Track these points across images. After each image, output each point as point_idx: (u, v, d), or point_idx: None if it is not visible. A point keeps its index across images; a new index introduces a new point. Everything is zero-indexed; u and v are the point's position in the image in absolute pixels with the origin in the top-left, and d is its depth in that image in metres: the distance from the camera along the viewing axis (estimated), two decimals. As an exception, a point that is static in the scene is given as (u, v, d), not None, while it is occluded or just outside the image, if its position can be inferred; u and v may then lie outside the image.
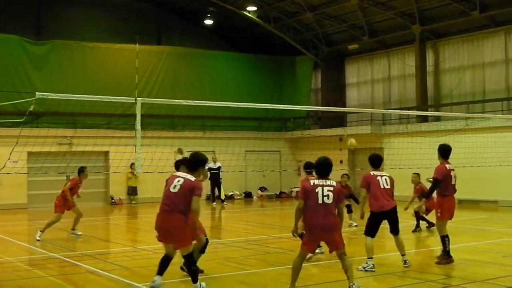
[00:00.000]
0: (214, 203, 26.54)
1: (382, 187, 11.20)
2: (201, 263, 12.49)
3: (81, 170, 16.56)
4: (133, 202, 29.45)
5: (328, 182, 8.98)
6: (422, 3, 28.37)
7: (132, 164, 26.27)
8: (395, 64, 32.70)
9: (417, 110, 28.24)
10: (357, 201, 19.13)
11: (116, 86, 27.86)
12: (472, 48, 29.09)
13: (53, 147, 25.38)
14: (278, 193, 33.90)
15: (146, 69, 31.25)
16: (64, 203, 16.23)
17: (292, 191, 33.61)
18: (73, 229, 16.53)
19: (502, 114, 26.05)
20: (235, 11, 32.46)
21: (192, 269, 9.25)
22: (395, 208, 11.26)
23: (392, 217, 11.29)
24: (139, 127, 11.84)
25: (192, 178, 9.07)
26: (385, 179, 11.31)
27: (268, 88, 34.96)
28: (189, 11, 35.38)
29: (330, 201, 8.83)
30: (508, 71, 27.63)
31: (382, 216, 11.26)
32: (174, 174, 9.40)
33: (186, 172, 9.26)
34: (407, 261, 11.18)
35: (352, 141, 16.02)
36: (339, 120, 33.37)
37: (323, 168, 9.15)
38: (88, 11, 32.49)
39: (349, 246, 13.05)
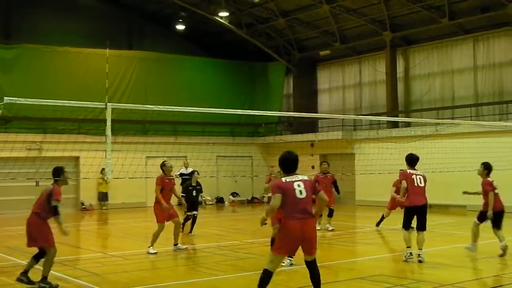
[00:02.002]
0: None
1: (416, 185, 12.30)
2: (172, 269, 12.45)
3: (163, 165, 14.64)
4: (104, 208, 29.24)
5: None
6: (393, 10, 28.65)
7: (103, 169, 26.10)
8: (366, 70, 32.95)
9: (388, 116, 28.43)
10: (338, 191, 19.07)
11: (87, 91, 27.63)
12: (441, 55, 29.43)
13: (22, 153, 25.06)
14: (250, 198, 33.89)
15: (117, 74, 31.12)
16: (162, 210, 14.11)
17: (264, 196, 33.64)
18: (175, 244, 14.61)
19: (471, 120, 26.37)
20: (207, 16, 32.43)
21: (319, 274, 8.34)
22: (425, 205, 12.31)
23: (421, 213, 12.25)
24: (110, 132, 11.75)
25: (305, 177, 8.42)
26: (420, 178, 12.40)
27: (240, 94, 35.01)
28: (161, 16, 35.28)
29: None
30: (476, 78, 28.00)
31: (414, 210, 12.29)
32: (284, 181, 8.33)
33: (287, 175, 8.42)
34: (420, 255, 12.22)
35: None
36: (311, 126, 33.51)
37: None
38: (58, 15, 32.14)
39: (322, 251, 13.14)
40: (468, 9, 26.82)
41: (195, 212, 18.08)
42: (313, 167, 30.36)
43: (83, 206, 29.05)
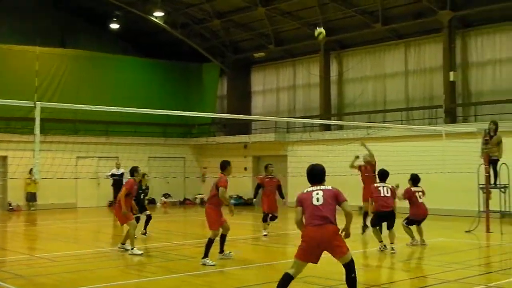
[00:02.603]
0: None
1: (382, 195, 14.25)
2: (101, 271, 12.22)
3: (135, 170, 14.78)
4: (32, 208, 28.56)
5: None
6: (328, 14, 28.94)
7: (31, 169, 25.41)
8: (301, 73, 33.21)
9: (321, 119, 28.70)
10: (282, 195, 18.53)
11: (17, 89, 26.95)
12: (374, 59, 29.92)
13: None
14: (182, 199, 33.73)
15: (48, 72, 30.49)
16: (121, 213, 13.94)
17: (196, 198, 33.52)
18: (122, 243, 14.38)
19: (402, 123, 26.91)
20: (142, 16, 32.09)
21: (353, 276, 8.24)
22: (390, 211, 14.24)
23: (387, 217, 14.22)
24: (38, 132, 11.44)
25: (329, 187, 8.57)
26: (386, 189, 14.34)
27: (174, 94, 34.76)
28: (95, 14, 34.73)
29: None
30: (407, 83, 28.57)
31: (380, 215, 14.26)
32: (305, 192, 8.64)
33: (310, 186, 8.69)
34: (394, 249, 13.89)
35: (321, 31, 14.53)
36: (244, 127, 33.54)
37: None
38: (-12, 10, 31.35)
39: (254, 252, 13.13)
40: (401, 15, 27.36)
41: (147, 212, 18.31)
42: (245, 168, 30.41)
43: (10, 207, 28.33)
